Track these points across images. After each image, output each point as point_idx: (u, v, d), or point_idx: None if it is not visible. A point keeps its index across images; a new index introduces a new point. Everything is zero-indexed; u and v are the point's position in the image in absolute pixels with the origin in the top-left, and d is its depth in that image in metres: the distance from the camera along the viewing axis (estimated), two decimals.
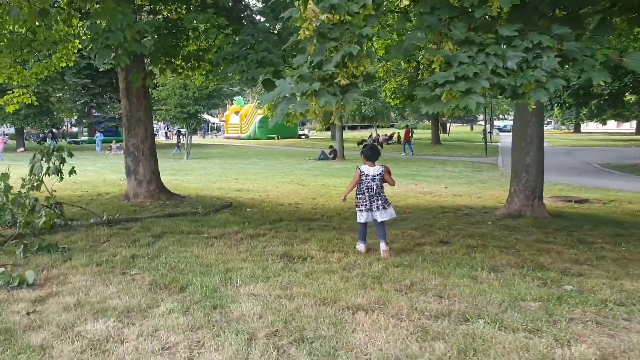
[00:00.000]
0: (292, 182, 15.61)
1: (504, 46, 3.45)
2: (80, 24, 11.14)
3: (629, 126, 59.23)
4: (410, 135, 31.46)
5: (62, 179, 7.21)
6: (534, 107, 3.85)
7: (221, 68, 5.86)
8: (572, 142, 40.07)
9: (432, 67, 3.55)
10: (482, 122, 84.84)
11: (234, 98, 46.47)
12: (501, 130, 55.48)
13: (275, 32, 6.20)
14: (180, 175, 17.67)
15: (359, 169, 5.82)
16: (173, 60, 8.16)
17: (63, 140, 43.25)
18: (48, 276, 4.78)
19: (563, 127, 62.28)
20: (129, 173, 10.31)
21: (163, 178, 10.71)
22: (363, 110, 22.81)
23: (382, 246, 5.68)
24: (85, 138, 43.15)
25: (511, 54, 3.41)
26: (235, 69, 5.46)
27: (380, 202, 5.71)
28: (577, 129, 57.76)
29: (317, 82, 3.37)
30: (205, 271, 4.86)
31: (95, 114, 40.71)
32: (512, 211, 9.00)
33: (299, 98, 3.47)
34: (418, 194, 13.09)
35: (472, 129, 66.76)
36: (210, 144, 44.00)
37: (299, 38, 3.47)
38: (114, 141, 33.74)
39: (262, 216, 8.67)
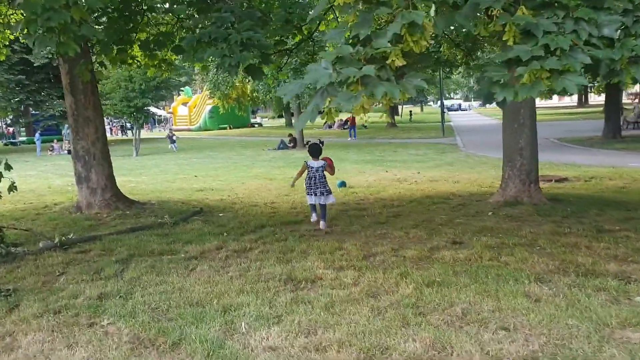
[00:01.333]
0: (257, 177, 14.46)
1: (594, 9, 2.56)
2: (9, 12, 9.52)
3: (570, 100, 60.96)
4: (356, 120, 30.84)
5: (0, 197, 5.85)
6: (632, 85, 3.00)
7: (193, 54, 4.70)
8: None
9: (504, 39, 2.62)
10: (431, 103, 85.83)
11: (182, 89, 44.27)
12: (449, 109, 55.86)
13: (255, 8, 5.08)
14: (133, 175, 16.13)
15: (306, 162, 7.08)
16: (128, 48, 6.84)
17: None
18: None
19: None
20: (79, 180, 8.90)
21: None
22: None
23: (322, 225, 6.99)
24: (24, 139, 39.97)
25: (606, 18, 2.54)
26: (214, 53, 4.33)
27: (322, 189, 6.93)
28: None
29: (366, 64, 2.37)
30: (198, 314, 3.76)
31: (33, 112, 37.66)
32: (508, 198, 8.30)
33: (343, 88, 2.45)
34: (393, 182, 12.29)
35: (422, 109, 67.08)
36: (159, 137, 41.77)
37: (334, 3, 2.46)
38: (54, 140, 31.23)
39: (240, 222, 7.57)
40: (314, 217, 7.38)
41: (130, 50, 7.60)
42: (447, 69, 24.14)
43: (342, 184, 11.60)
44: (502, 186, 8.65)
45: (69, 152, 24.14)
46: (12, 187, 5.98)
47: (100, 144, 8.95)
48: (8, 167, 5.93)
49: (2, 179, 5.74)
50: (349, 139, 29.29)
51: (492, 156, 17.69)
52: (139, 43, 6.14)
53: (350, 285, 4.33)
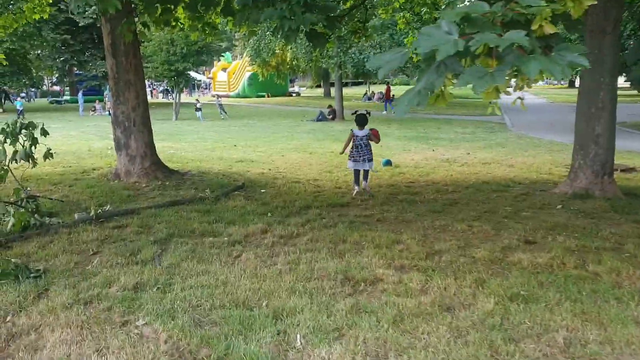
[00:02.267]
0: (297, 149, 13.87)
1: None
2: None
3: (621, 81, 57.68)
4: (390, 93, 29.76)
5: (34, 165, 5.45)
6: None
7: (247, 15, 4.05)
8: (573, 99, 38.33)
9: None
10: None
11: (222, 54, 43.70)
12: None
13: None
14: (172, 141, 15.78)
15: (352, 130, 7.60)
16: (173, 9, 6.25)
17: (26, 100, 39.99)
18: (11, 333, 3.14)
19: (555, 82, 60.56)
20: (119, 147, 8.50)
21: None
22: (367, 66, 20.84)
23: (364, 184, 7.62)
24: (68, 97, 40.40)
25: None
26: (272, 14, 3.69)
27: (365, 156, 7.47)
28: (571, 84, 56.09)
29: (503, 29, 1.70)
30: (245, 319, 3.23)
31: (77, 72, 37.87)
32: (577, 190, 7.47)
33: (465, 61, 1.80)
34: (442, 162, 11.50)
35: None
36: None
37: None
38: (97, 101, 31.33)
39: (284, 201, 7.02)
40: (356, 190, 7.62)
41: (174, 11, 7.00)
42: None
43: (388, 162, 10.91)
44: (570, 176, 7.81)
45: (110, 113, 24.13)
46: (48, 154, 5.56)
47: (141, 109, 8.49)
48: (44, 133, 5.50)
49: (37, 144, 5.31)
50: (384, 112, 28.33)
51: (545, 138, 16.61)
52: (185, 3, 5.52)
53: (417, 293, 3.72)
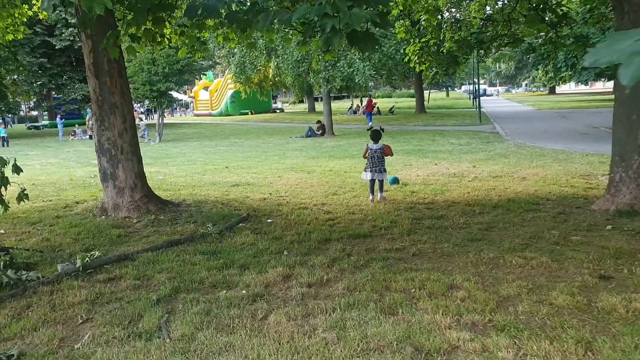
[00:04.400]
0: (293, 169, 12.96)
1: None
2: None
3: (602, 85, 58.06)
4: (372, 105, 29.45)
5: (5, 209, 4.44)
6: None
7: (272, 17, 3.15)
8: (558, 105, 38.23)
9: None
10: (457, 88, 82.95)
11: (204, 72, 42.74)
12: (475, 95, 53.56)
13: None
14: (159, 165, 14.75)
15: (368, 145, 8.15)
16: (169, 17, 5.31)
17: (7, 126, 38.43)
18: None
19: (534, 89, 60.80)
20: (105, 178, 7.48)
21: None
22: (357, 80, 20.10)
23: (379, 196, 8.18)
24: (47, 122, 38.94)
25: None
26: (307, 12, 2.80)
27: (379, 167, 8.03)
28: (552, 91, 56.30)
29: None
30: None
31: (55, 96, 36.53)
32: (621, 206, 6.69)
33: None
34: (450, 177, 10.70)
35: (447, 94, 64.40)
36: (181, 122, 40.49)
37: None
38: (76, 125, 30.05)
39: (298, 234, 6.10)
40: (371, 198, 8.17)
41: (167, 21, 6.07)
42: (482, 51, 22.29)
43: (395, 180, 10.06)
44: (610, 190, 7.03)
45: (91, 137, 22.89)
46: (22, 196, 4.56)
47: (129, 135, 7.51)
48: (17, 170, 4.51)
49: (8, 185, 4.31)
50: (370, 124, 27.87)
51: (545, 147, 15.99)
52: (184, 8, 4.60)
53: None
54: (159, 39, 8.75)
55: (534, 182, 9.78)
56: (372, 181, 8.10)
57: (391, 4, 9.99)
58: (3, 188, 4.29)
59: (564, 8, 8.57)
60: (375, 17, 2.88)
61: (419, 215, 7.07)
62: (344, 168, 12.86)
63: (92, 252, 5.29)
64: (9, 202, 4.58)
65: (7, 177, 4.30)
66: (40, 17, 10.93)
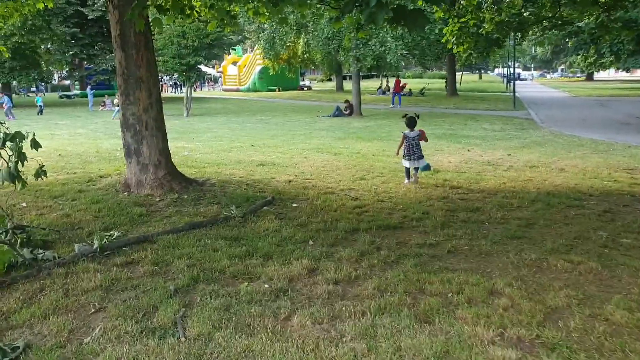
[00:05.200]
0: (320, 149, 12.59)
1: None
2: None
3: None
4: (400, 86, 28.74)
5: (23, 186, 4.23)
6: None
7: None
8: (596, 92, 36.67)
9: None
10: (490, 71, 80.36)
11: (233, 48, 42.37)
12: (509, 79, 51.87)
13: None
14: (185, 140, 14.55)
15: (404, 133, 8.09)
16: None
17: (33, 94, 38.53)
18: None
19: (571, 74, 58.48)
20: (129, 154, 7.27)
21: None
22: (389, 59, 19.43)
23: (414, 179, 8.07)
24: (78, 92, 39.29)
25: None
26: None
27: (417, 154, 7.93)
28: (589, 77, 53.99)
29: None
30: None
31: (87, 66, 36.73)
32: None
33: None
34: (484, 165, 10.18)
35: (480, 77, 62.45)
36: (209, 97, 40.35)
37: None
38: (106, 96, 30.16)
39: (324, 222, 5.77)
40: (406, 181, 8.13)
41: None
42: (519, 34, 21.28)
43: (426, 167, 9.59)
44: None
45: (118, 109, 22.80)
46: (40, 173, 4.34)
47: (154, 110, 7.25)
48: (36, 145, 4.27)
49: (26, 160, 4.08)
50: (391, 106, 27.18)
51: (583, 136, 15.21)
52: None
53: None
54: (188, 12, 8.44)
55: (573, 174, 9.22)
56: (408, 169, 8.12)
57: None
58: (20, 164, 4.07)
59: None
60: None
61: (452, 207, 6.66)
62: (372, 151, 12.43)
63: (111, 232, 5.10)
64: (26, 178, 4.37)
65: (24, 153, 4.07)
66: None
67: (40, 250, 4.37)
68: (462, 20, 9.90)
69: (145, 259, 4.47)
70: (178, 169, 8.74)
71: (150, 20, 6.02)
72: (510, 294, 3.73)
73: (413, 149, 7.95)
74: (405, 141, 8.03)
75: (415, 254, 4.69)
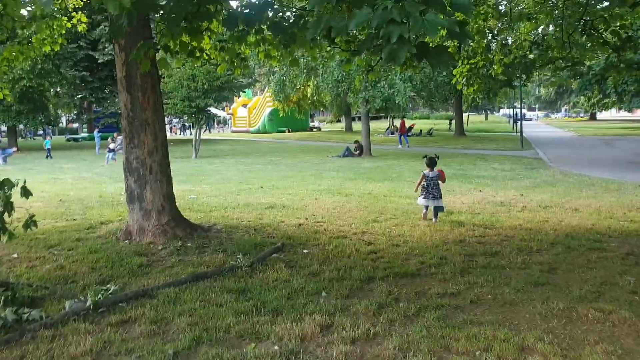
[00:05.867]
0: (330, 191, 12.29)
1: None
2: None
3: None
4: (405, 127, 28.85)
5: (10, 238, 3.92)
6: None
7: (325, 24, 2.53)
8: (601, 132, 36.48)
9: None
10: (496, 112, 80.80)
11: (243, 90, 42.92)
12: (515, 119, 51.92)
13: None
14: (193, 182, 14.32)
15: (424, 172, 8.23)
16: (207, 30, 4.76)
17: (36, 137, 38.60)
18: None
19: (574, 115, 58.56)
20: (131, 199, 6.99)
21: (173, 187, 7.40)
22: (397, 101, 19.48)
23: (434, 220, 8.02)
24: (86, 135, 39.60)
25: None
26: (368, 18, 2.17)
27: (436, 194, 8.04)
28: (592, 117, 54.04)
29: None
30: None
31: (95, 109, 37.18)
32: None
33: None
34: (497, 206, 9.79)
35: (486, 118, 62.66)
36: (218, 139, 40.56)
37: None
38: (109, 139, 30.28)
39: (337, 270, 5.40)
40: (424, 213, 8.25)
41: (207, 36, 5.55)
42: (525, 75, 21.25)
43: (440, 209, 9.22)
44: None
45: (111, 151, 22.44)
46: (30, 223, 4.03)
47: (160, 154, 7.01)
48: (26, 194, 3.99)
49: (13, 211, 3.78)
50: (399, 147, 27.14)
51: (593, 175, 14.85)
52: (223, 17, 4.00)
53: None
54: (198, 54, 8.35)
55: (587, 214, 8.83)
56: (426, 207, 8.21)
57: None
58: (7, 214, 3.77)
59: (628, 31, 7.74)
60: (453, 25, 2.21)
61: (470, 251, 6.27)
62: (383, 191, 12.12)
63: (107, 286, 4.73)
64: (14, 229, 4.06)
65: (12, 202, 3.78)
66: (79, 29, 10.70)
67: (27, 309, 4.01)
68: (472, 61, 9.74)
69: (143, 316, 4.10)
70: (183, 213, 8.45)
71: (157, 61, 5.85)
72: (542, 351, 3.34)
73: (431, 189, 8.06)
74: (424, 180, 8.15)
75: (436, 306, 4.30)
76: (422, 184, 8.22)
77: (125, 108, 6.96)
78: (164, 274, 5.33)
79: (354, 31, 6.07)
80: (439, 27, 2.19)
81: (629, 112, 46.07)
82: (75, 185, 13.76)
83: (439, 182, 8.19)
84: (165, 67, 4.98)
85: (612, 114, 56.31)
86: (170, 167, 7.25)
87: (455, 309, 4.25)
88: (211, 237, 6.93)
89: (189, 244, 6.50)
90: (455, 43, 9.28)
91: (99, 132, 29.82)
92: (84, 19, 10.71)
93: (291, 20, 4.04)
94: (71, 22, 10.30)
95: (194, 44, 7.83)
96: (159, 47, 5.25)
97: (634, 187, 12.30)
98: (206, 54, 8.37)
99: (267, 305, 4.30)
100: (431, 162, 8.23)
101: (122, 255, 6.02)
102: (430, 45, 2.42)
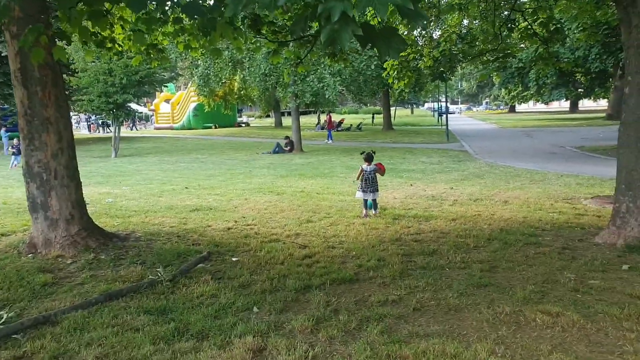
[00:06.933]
0: (261, 190, 11.81)
1: None
2: None
3: (558, 105, 59.27)
4: (332, 122, 29.28)
5: None
6: None
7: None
8: (521, 123, 38.36)
9: None
10: (421, 106, 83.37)
11: (165, 85, 40.98)
12: (440, 113, 53.80)
13: None
14: (110, 184, 13.24)
15: (362, 167, 8.49)
16: (108, 10, 4.07)
17: None
18: None
19: (494, 107, 61.52)
20: (34, 208, 6.14)
21: (89, 190, 6.64)
22: (327, 95, 19.20)
23: (372, 212, 8.39)
24: None
25: None
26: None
27: (372, 187, 8.33)
28: (511, 109, 57.12)
29: None
30: None
31: (2, 106, 34.06)
32: (630, 240, 5.90)
33: None
34: (429, 200, 9.80)
35: (412, 112, 64.28)
36: (140, 136, 38.55)
37: None
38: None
39: (269, 279, 4.97)
40: (364, 213, 8.37)
41: (108, 22, 4.87)
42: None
43: (374, 207, 9.06)
44: (615, 222, 6.23)
45: (13, 154, 20.05)
46: None
47: (66, 156, 6.21)
48: None
49: None
50: (330, 141, 27.35)
51: (518, 166, 15.41)
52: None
53: None
54: (109, 45, 7.56)
55: (517, 206, 8.99)
56: (366, 200, 8.41)
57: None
58: None
59: (557, 23, 7.88)
60: (407, 1, 1.84)
61: (408, 251, 6.06)
62: (316, 189, 11.80)
63: (3, 308, 4.02)
64: None
65: None
66: None
67: None
68: (402, 54, 9.61)
69: (42, 349, 3.46)
70: (99, 220, 7.67)
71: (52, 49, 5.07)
72: None
73: (369, 183, 8.33)
74: (362, 174, 8.39)
75: (378, 317, 3.98)
76: (360, 178, 8.46)
77: (22, 105, 6.09)
78: (72, 294, 4.65)
79: (283, 19, 5.65)
80: (390, 3, 1.81)
81: (545, 104, 49.28)
82: None
83: (377, 174, 8.45)
84: (62, 56, 4.28)
85: (530, 106, 59.84)
86: (78, 171, 6.45)
87: (399, 320, 3.96)
88: (128, 247, 6.24)
89: (103, 256, 5.80)
90: (403, 25, 8.95)
91: (6, 131, 27.25)
92: None
93: (211, 5, 3.55)
94: None
95: (105, 33, 7.05)
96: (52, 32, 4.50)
97: (556, 177, 12.82)
98: (119, 44, 7.62)
99: (190, 328, 3.78)
100: (368, 158, 8.49)
101: (23, 273, 5.22)
102: (376, 27, 2.06)
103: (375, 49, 2.21)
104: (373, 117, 45.85)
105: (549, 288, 4.65)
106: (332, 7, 1.84)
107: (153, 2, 3.27)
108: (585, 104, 51.03)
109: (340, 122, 36.65)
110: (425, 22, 8.46)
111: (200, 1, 3.76)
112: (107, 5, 4.05)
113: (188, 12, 3.32)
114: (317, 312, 4.08)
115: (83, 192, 6.50)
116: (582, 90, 35.24)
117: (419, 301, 4.34)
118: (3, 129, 27.61)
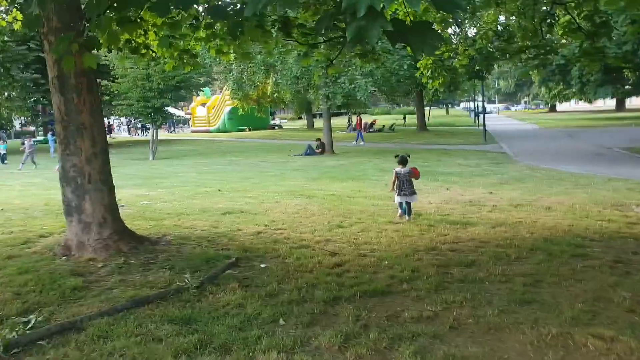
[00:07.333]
0: (293, 193, 11.67)
1: None
2: None
3: (602, 103, 56.70)
4: (361, 123, 28.96)
5: None
6: None
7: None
8: (563, 123, 37.03)
9: None
10: (456, 106, 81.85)
11: (201, 89, 41.65)
12: (476, 113, 52.50)
13: None
14: (147, 187, 13.38)
15: (395, 170, 8.36)
16: (136, 16, 4.01)
17: None
18: None
19: (534, 107, 59.67)
20: (69, 211, 6.19)
21: (126, 192, 6.67)
22: (359, 97, 19.06)
23: (407, 217, 8.10)
24: (41, 138, 37.60)
25: None
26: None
27: (408, 190, 8.15)
28: (552, 109, 55.16)
29: None
30: None
31: (50, 111, 35.36)
32: None
33: None
34: (467, 206, 9.41)
35: (447, 112, 63.08)
36: (177, 139, 39.25)
37: None
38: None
39: (297, 289, 4.79)
40: (400, 213, 8.26)
41: (137, 27, 4.81)
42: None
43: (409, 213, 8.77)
44: None
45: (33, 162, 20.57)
46: None
47: (99, 161, 6.23)
48: None
49: None
50: (362, 143, 27.01)
51: (561, 169, 14.76)
52: (151, 3, 3.27)
53: None
54: (143, 51, 7.57)
55: (562, 213, 8.51)
56: (401, 203, 8.27)
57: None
58: None
59: (603, 16, 7.37)
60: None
61: (444, 261, 5.76)
62: (347, 192, 11.59)
63: (29, 317, 4.00)
64: None
65: None
66: (15, 28, 9.76)
67: None
68: (437, 53, 9.27)
69: (65, 358, 3.39)
70: (134, 222, 7.72)
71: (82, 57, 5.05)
72: None
73: (404, 185, 8.17)
74: (397, 178, 8.27)
75: (411, 335, 3.74)
76: (395, 182, 8.28)
77: (59, 111, 6.15)
78: (100, 299, 4.60)
79: (313, 20, 5.47)
80: None
81: (588, 103, 47.26)
82: (22, 193, 12.68)
83: (412, 179, 8.26)
84: (92, 63, 4.23)
85: (572, 105, 57.72)
86: (111, 175, 6.47)
87: (434, 339, 3.69)
88: (159, 252, 6.20)
89: (133, 260, 5.76)
90: (437, 18, 8.40)
91: (52, 134, 28.19)
92: (20, 17, 9.74)
93: (236, 8, 3.42)
94: (6, 20, 9.38)
95: (140, 40, 7.06)
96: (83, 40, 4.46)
97: (603, 181, 12.18)
98: (152, 51, 7.63)
99: (214, 340, 3.64)
100: (402, 160, 8.36)
101: (56, 276, 5.23)
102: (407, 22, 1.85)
103: (407, 47, 1.99)
104: (405, 118, 45.23)
105: (600, 307, 4.27)
106: (357, 1, 1.64)
107: (178, 7, 3.13)
108: (634, 101, 48.44)
109: (373, 124, 36.26)
110: (462, 14, 8.02)
111: (227, 4, 3.63)
112: (135, 11, 3.97)
113: (213, 15, 3.20)
114: (346, 328, 3.87)
115: (121, 194, 6.51)
116: (630, 87, 33.58)
117: (456, 318, 4.06)
118: (50, 133, 28.56)
